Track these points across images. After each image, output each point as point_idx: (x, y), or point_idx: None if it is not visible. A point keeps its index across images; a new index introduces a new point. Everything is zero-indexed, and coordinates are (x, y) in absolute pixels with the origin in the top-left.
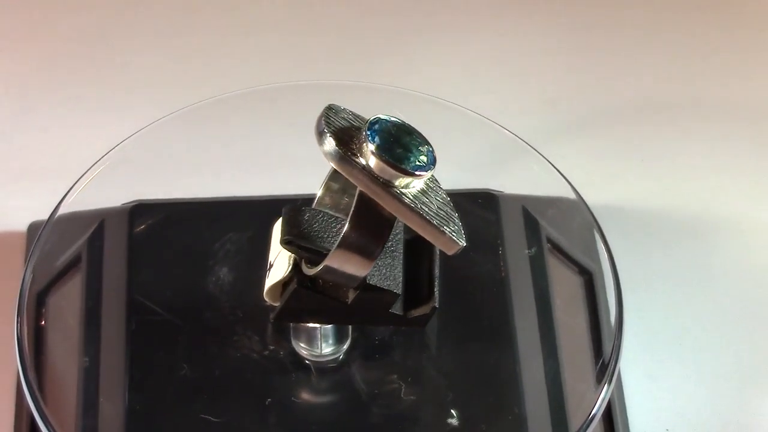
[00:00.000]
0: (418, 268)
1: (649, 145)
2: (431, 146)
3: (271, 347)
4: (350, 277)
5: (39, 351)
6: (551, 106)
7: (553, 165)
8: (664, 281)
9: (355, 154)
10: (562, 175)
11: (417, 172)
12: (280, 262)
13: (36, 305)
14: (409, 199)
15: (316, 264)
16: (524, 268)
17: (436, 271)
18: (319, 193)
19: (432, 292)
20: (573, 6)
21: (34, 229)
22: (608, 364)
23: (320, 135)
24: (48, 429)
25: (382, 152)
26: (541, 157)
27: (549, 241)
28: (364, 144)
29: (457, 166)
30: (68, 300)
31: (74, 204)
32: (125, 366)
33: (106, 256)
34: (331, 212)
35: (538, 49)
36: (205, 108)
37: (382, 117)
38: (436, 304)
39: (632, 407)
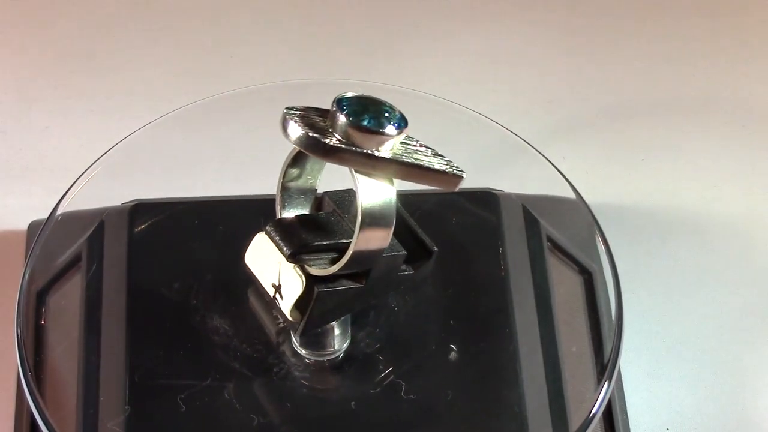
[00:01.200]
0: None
1: (649, 145)
2: (397, 109)
3: (273, 346)
4: (376, 253)
5: (39, 350)
6: (552, 106)
7: (553, 164)
8: (664, 280)
9: (331, 137)
10: (562, 174)
11: (397, 130)
12: (287, 279)
13: (36, 305)
14: (403, 155)
15: (332, 262)
16: (524, 267)
17: (411, 221)
18: (278, 186)
19: (420, 240)
20: (573, 6)
21: (34, 228)
22: (608, 363)
23: (299, 137)
24: (48, 429)
25: (358, 122)
26: (541, 156)
27: (549, 240)
28: (337, 119)
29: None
30: (68, 299)
31: (74, 203)
32: (125, 366)
33: (106, 256)
34: (306, 211)
35: (539, 49)
36: (204, 107)
37: (345, 94)
38: (434, 248)
39: (632, 406)
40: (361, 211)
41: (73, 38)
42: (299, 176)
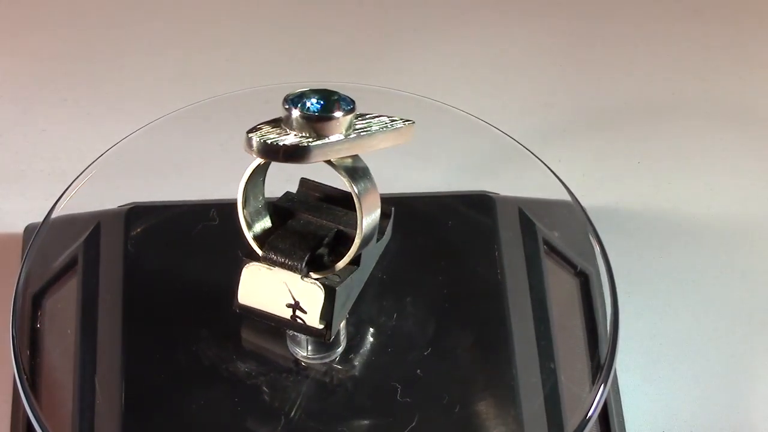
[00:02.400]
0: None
1: (646, 147)
2: (343, 94)
3: (269, 348)
4: (373, 232)
5: (35, 354)
6: (548, 108)
7: (548, 167)
8: (661, 283)
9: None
10: (557, 177)
11: (344, 111)
12: (303, 293)
13: (32, 307)
14: (361, 132)
15: (334, 259)
16: (521, 269)
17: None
18: (241, 209)
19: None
20: (570, 8)
21: (30, 231)
22: (604, 365)
23: (257, 147)
24: (44, 431)
25: (307, 111)
26: (536, 160)
27: (545, 243)
28: (291, 115)
29: (454, 168)
30: (64, 302)
31: (71, 206)
32: (121, 369)
33: (102, 259)
34: (268, 223)
35: (535, 51)
36: (202, 109)
37: (294, 91)
38: (391, 208)
39: (628, 409)
40: (359, 199)
41: (70, 39)
42: (258, 193)
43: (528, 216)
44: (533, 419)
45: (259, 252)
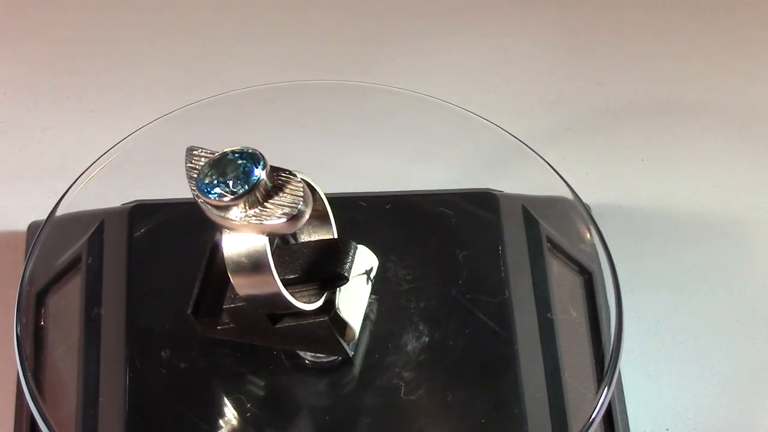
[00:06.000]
0: None
1: (648, 146)
2: (251, 159)
3: (271, 348)
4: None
5: (39, 351)
6: (552, 106)
7: (549, 165)
8: (664, 281)
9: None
10: (560, 176)
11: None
12: (353, 294)
13: (36, 305)
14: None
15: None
16: (524, 268)
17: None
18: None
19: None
20: (572, 6)
21: (34, 229)
22: (608, 365)
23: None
24: (48, 429)
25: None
26: (539, 158)
27: (549, 240)
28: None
29: (457, 166)
30: (68, 300)
31: (74, 204)
32: (125, 366)
33: (105, 257)
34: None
35: (538, 49)
36: (204, 108)
37: (206, 166)
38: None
39: (632, 407)
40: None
41: (73, 38)
42: None
43: (531, 214)
44: (537, 418)
45: None
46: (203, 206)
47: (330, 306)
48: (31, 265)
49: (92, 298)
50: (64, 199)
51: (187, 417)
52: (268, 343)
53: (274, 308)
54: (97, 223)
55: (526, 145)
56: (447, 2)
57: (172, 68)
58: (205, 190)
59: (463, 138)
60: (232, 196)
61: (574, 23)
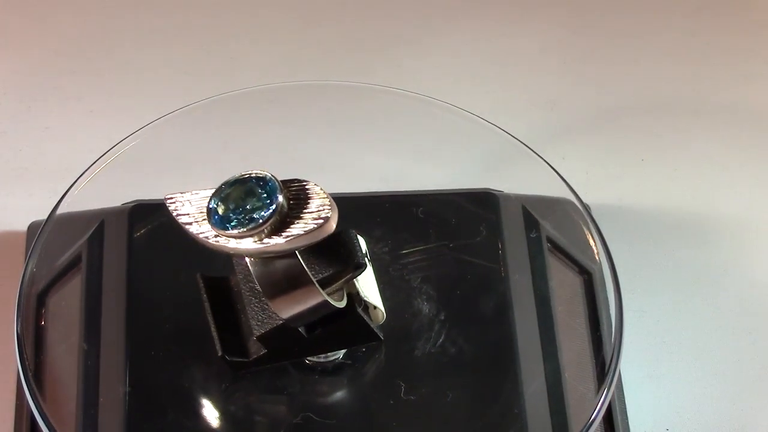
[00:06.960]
0: None
1: (649, 146)
2: (259, 182)
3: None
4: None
5: (39, 351)
6: (552, 106)
7: (549, 165)
8: (664, 281)
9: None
10: (560, 176)
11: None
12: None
13: (36, 305)
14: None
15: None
16: (524, 267)
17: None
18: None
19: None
20: (572, 7)
21: (34, 228)
22: (609, 365)
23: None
24: (48, 429)
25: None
26: (539, 159)
27: (549, 241)
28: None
29: (458, 166)
30: (68, 300)
31: (74, 204)
32: (125, 366)
33: (106, 256)
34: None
35: (538, 50)
36: (204, 108)
37: (213, 201)
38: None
39: (632, 406)
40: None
41: (73, 39)
42: None
43: (531, 214)
44: (538, 418)
45: None
46: (215, 243)
47: (352, 298)
48: (31, 265)
49: (92, 297)
50: (64, 199)
51: (187, 415)
52: (301, 356)
53: (312, 319)
54: (97, 223)
55: (526, 146)
56: (447, 3)
57: (172, 68)
58: (221, 225)
59: (463, 138)
60: (261, 221)
61: (574, 24)
